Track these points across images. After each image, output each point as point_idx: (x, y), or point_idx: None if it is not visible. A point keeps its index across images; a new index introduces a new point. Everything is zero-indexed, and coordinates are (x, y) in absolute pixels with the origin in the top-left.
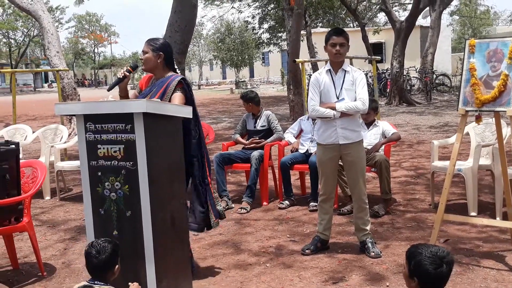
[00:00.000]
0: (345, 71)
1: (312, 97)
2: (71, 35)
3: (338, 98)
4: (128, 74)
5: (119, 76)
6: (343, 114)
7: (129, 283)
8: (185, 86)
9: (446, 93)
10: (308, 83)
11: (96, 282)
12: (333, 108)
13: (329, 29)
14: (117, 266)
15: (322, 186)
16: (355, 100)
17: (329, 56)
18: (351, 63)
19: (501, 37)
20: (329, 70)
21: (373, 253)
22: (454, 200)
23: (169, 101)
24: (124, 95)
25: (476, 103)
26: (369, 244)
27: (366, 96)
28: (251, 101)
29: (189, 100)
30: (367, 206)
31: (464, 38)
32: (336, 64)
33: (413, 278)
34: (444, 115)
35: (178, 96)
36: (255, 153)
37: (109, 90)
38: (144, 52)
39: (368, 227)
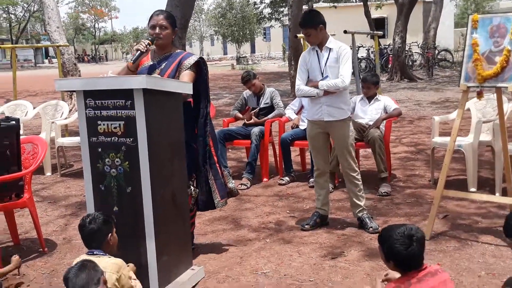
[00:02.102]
0: (330, 48)
1: (299, 76)
2: (72, 10)
3: (322, 75)
4: (149, 48)
5: (141, 50)
6: (327, 92)
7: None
8: (202, 66)
9: (448, 69)
10: None
11: (95, 252)
12: (316, 87)
13: (331, 4)
14: (110, 234)
15: (314, 160)
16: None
17: None
18: (353, 39)
19: (505, 12)
20: (315, 48)
21: (371, 228)
22: (454, 176)
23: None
24: (134, 69)
25: (478, 78)
26: (366, 220)
27: (347, 73)
28: (248, 80)
29: (204, 81)
30: (359, 182)
31: (467, 13)
32: (319, 43)
33: (389, 261)
34: (446, 91)
35: (188, 74)
36: (256, 130)
37: (133, 63)
38: (164, 27)
39: (362, 203)
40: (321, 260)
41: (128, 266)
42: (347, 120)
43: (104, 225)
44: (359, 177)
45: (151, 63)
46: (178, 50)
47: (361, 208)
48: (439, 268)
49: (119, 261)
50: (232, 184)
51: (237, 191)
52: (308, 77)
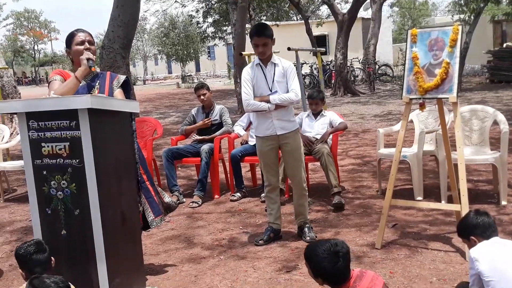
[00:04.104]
0: (275, 64)
1: (246, 91)
2: (10, 32)
3: (271, 90)
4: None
5: (92, 58)
6: (278, 106)
7: None
8: (129, 84)
9: (389, 83)
10: None
11: (43, 276)
12: (267, 101)
13: (273, 22)
14: (51, 259)
15: (266, 177)
16: (287, 91)
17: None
18: (297, 55)
19: (442, 26)
20: (259, 64)
21: (308, 237)
22: (400, 185)
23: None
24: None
25: (420, 91)
26: (306, 229)
27: (298, 87)
28: (202, 87)
29: (130, 98)
30: (306, 193)
31: (404, 29)
32: (264, 58)
33: (317, 277)
34: (388, 104)
35: (121, 92)
36: (205, 147)
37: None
38: (92, 43)
39: (306, 213)
40: (276, 274)
41: None
42: (297, 131)
43: (48, 251)
44: (306, 188)
45: (84, 82)
46: (98, 71)
47: (304, 218)
48: (361, 269)
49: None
50: (168, 198)
51: (175, 203)
52: (253, 92)
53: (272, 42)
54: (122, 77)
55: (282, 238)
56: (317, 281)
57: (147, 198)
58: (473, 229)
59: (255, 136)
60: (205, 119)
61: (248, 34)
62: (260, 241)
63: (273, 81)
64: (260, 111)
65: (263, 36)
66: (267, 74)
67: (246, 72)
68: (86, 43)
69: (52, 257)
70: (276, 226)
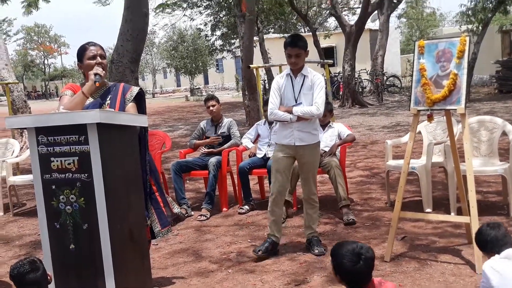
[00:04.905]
0: (305, 75)
1: (272, 100)
2: (20, 47)
3: (296, 101)
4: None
5: (100, 74)
6: (300, 118)
7: None
8: (142, 96)
9: (397, 94)
10: (263, 88)
11: None
12: (290, 112)
13: (281, 35)
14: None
15: (273, 184)
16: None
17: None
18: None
19: (449, 37)
20: (289, 74)
21: (317, 251)
22: (409, 197)
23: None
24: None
25: (427, 102)
26: (314, 242)
27: (322, 101)
28: (212, 98)
29: (143, 111)
30: (317, 205)
31: (412, 40)
32: (296, 69)
33: (336, 274)
34: (396, 115)
35: (133, 106)
36: (213, 160)
37: (99, 83)
38: (103, 57)
39: (315, 226)
40: None
41: None
42: (317, 145)
43: (42, 269)
44: (317, 200)
45: (92, 100)
46: (111, 83)
47: (313, 231)
48: (381, 279)
49: None
50: (177, 209)
51: (183, 215)
52: (281, 102)
53: (305, 54)
54: (135, 89)
55: (279, 252)
56: (336, 279)
57: (155, 209)
58: (486, 243)
59: (275, 142)
60: (214, 137)
61: (283, 44)
62: (258, 252)
63: (299, 92)
64: (282, 121)
65: (296, 47)
66: (295, 85)
67: (276, 81)
68: (98, 58)
69: (48, 273)
70: (276, 239)
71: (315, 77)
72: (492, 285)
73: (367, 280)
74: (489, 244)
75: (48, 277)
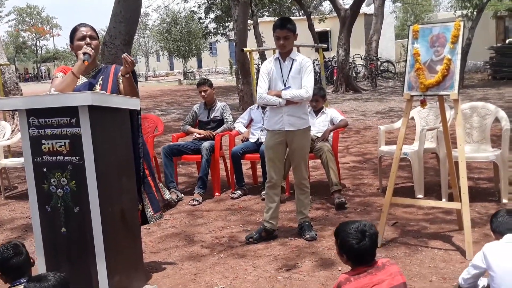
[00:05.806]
0: (293, 59)
1: (261, 84)
2: (12, 28)
3: (285, 85)
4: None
5: (89, 53)
6: (290, 102)
7: None
8: (136, 77)
9: (391, 79)
10: (257, 72)
11: (21, 281)
12: (279, 96)
13: (275, 18)
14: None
15: (268, 172)
16: (301, 88)
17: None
18: (298, 51)
19: (444, 22)
20: (278, 58)
21: (308, 235)
22: (401, 183)
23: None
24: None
25: (421, 87)
26: (305, 227)
27: (310, 84)
28: (204, 83)
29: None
30: (308, 190)
31: (407, 25)
32: (284, 53)
33: (342, 254)
34: (389, 101)
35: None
36: (206, 144)
37: (88, 62)
38: (93, 38)
39: (307, 211)
40: (276, 273)
41: None
42: (307, 130)
43: (25, 253)
44: (309, 186)
45: (85, 80)
46: (103, 65)
47: (304, 216)
48: (386, 261)
49: None
50: (168, 195)
51: (175, 201)
52: (269, 86)
53: (294, 37)
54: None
55: (277, 237)
56: (341, 259)
57: (148, 194)
58: (496, 225)
59: (266, 128)
60: (210, 131)
61: (272, 27)
62: (250, 239)
63: (288, 76)
64: (272, 105)
65: (285, 30)
66: (283, 69)
67: (265, 66)
68: (87, 38)
69: (32, 257)
70: (270, 226)
71: (304, 60)
72: (483, 266)
73: (372, 258)
74: (498, 226)
75: (31, 260)
